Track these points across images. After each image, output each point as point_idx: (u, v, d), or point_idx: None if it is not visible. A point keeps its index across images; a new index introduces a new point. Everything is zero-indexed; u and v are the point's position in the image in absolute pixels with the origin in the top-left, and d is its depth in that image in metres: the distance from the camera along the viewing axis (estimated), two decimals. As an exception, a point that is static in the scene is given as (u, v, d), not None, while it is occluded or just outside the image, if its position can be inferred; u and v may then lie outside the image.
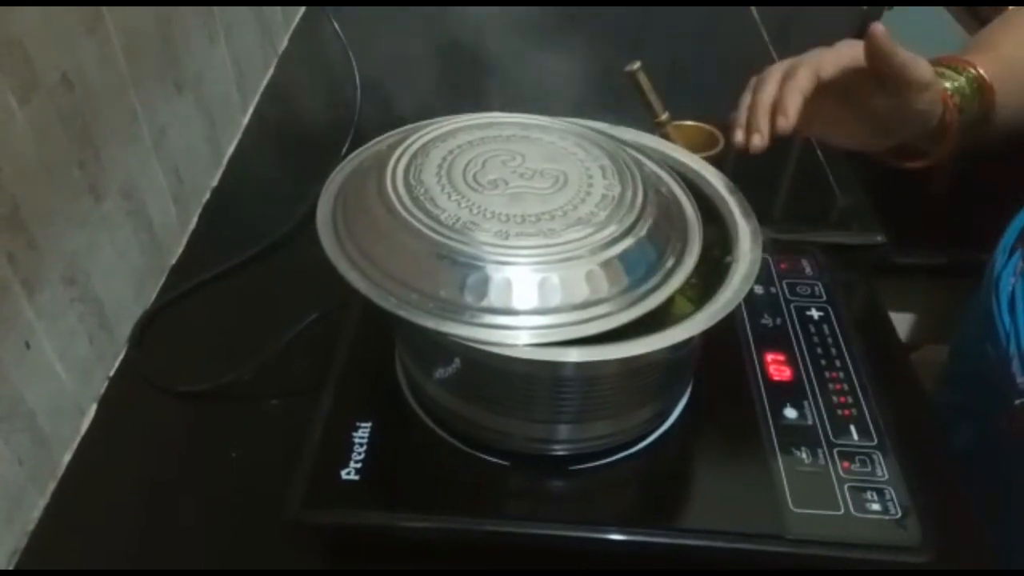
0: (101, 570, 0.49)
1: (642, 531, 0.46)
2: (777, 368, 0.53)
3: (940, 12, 1.12)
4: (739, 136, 0.55)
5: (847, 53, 0.54)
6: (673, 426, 0.51)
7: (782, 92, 0.54)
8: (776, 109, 0.54)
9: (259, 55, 0.92)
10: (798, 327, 0.56)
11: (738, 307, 0.43)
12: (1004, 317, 0.61)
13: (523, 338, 0.40)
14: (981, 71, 0.57)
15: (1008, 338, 0.60)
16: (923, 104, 0.53)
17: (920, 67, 0.52)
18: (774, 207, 0.79)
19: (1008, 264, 0.63)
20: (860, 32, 1.09)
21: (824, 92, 0.54)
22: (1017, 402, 0.58)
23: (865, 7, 1.15)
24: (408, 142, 0.48)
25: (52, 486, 0.53)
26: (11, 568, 0.49)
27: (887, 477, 0.47)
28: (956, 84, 0.57)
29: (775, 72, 0.55)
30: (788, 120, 0.53)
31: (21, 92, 0.49)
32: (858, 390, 0.52)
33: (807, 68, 0.54)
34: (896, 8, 1.17)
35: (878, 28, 0.51)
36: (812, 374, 0.53)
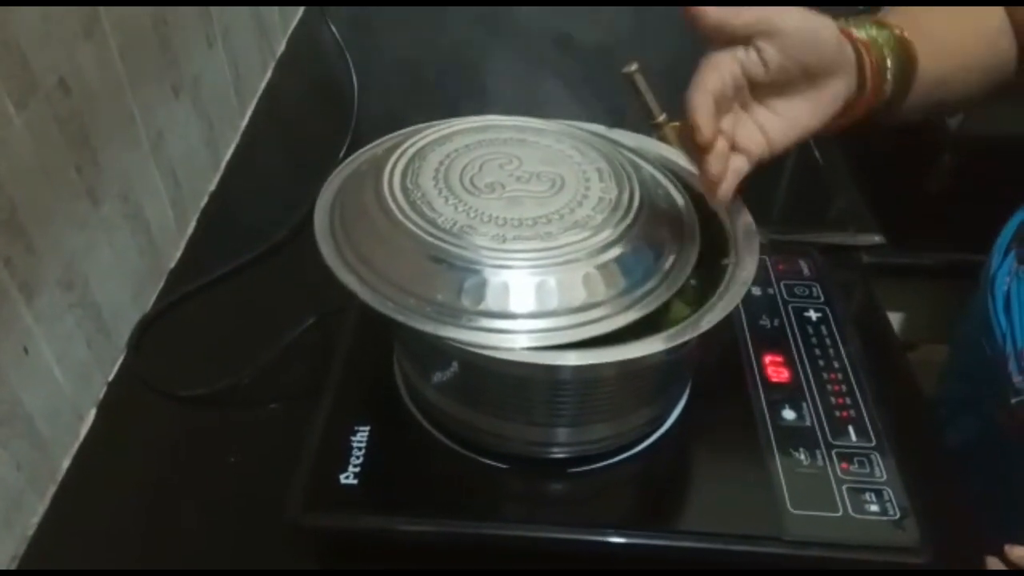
0: (101, 571, 0.49)
1: (641, 533, 0.46)
2: (775, 369, 0.53)
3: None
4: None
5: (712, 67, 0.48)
6: (671, 428, 0.51)
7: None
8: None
9: (257, 58, 0.92)
10: (796, 328, 0.56)
11: (736, 308, 0.43)
12: (1000, 316, 0.61)
13: (521, 341, 0.40)
14: (897, 28, 0.52)
15: (1004, 337, 0.60)
16: (818, 47, 0.47)
17: (751, 12, 0.46)
18: (771, 208, 0.79)
19: (1003, 264, 0.63)
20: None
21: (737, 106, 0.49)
22: (1014, 400, 0.58)
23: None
24: (405, 146, 0.48)
25: (51, 491, 0.53)
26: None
27: (885, 478, 0.47)
28: (870, 32, 0.51)
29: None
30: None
31: (18, 96, 0.49)
32: (856, 391, 0.52)
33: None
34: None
35: (688, 12, 0.47)
36: (810, 375, 0.53)
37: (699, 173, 0.47)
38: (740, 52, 0.47)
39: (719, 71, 0.46)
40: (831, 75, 0.49)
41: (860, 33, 0.51)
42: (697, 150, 0.46)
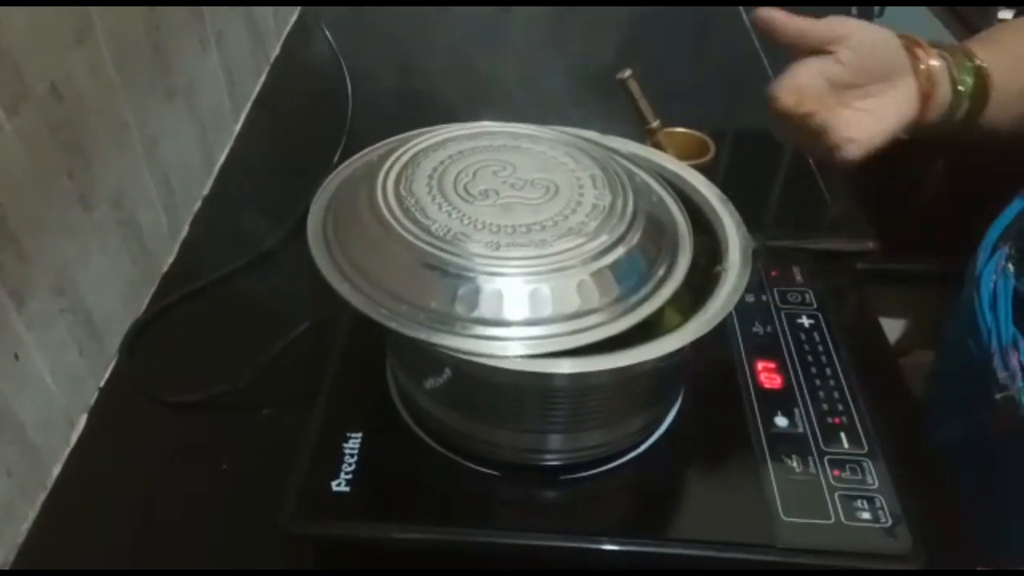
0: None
1: (633, 541, 0.45)
2: (768, 376, 0.53)
3: (934, 14, 1.13)
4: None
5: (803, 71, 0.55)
6: (664, 435, 0.51)
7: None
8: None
9: (251, 63, 0.92)
10: (789, 335, 0.56)
11: (729, 315, 0.43)
12: (986, 314, 0.61)
13: (514, 349, 0.40)
14: (979, 59, 0.56)
15: (989, 334, 0.60)
16: (885, 46, 0.54)
17: (823, 23, 0.54)
18: (765, 214, 0.79)
19: (990, 261, 0.63)
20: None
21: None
22: (998, 396, 0.58)
23: (854, 8, 1.15)
24: (399, 152, 0.48)
25: (42, 498, 0.53)
26: (0, 581, 0.49)
27: (877, 485, 0.47)
28: (944, 63, 0.56)
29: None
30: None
31: (9, 102, 0.49)
32: (848, 398, 0.52)
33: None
34: (888, 9, 1.17)
35: (759, 13, 0.54)
36: (803, 382, 0.53)
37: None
38: (821, 59, 0.54)
39: (808, 69, 0.54)
40: (902, 74, 0.55)
41: (935, 61, 0.56)
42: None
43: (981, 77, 0.56)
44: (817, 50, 0.54)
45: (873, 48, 0.54)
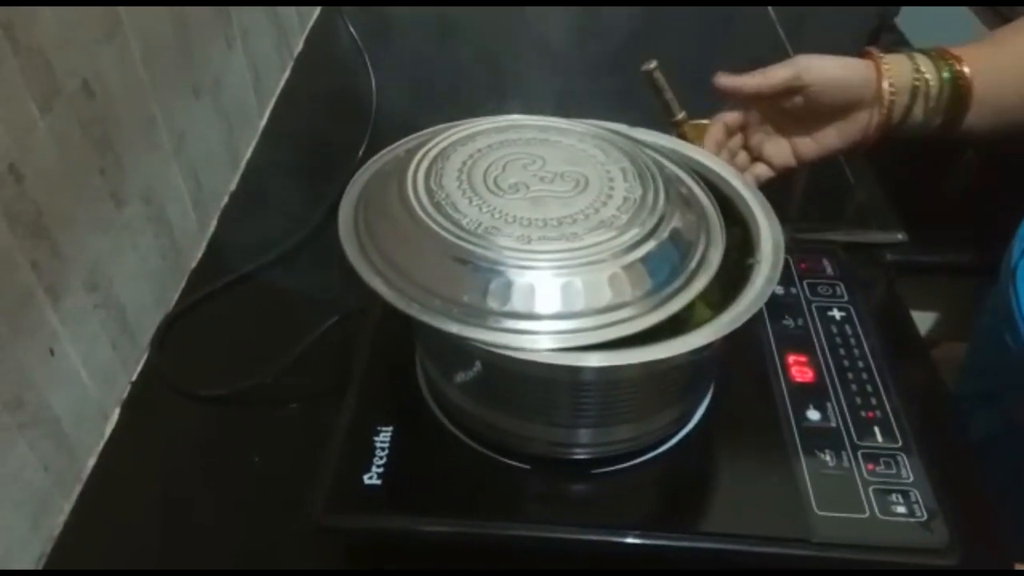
0: (126, 570, 0.49)
1: (664, 535, 0.45)
2: (799, 369, 0.53)
3: (960, 10, 1.11)
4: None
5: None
6: (695, 429, 0.50)
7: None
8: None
9: (275, 59, 0.92)
10: (820, 327, 0.56)
11: (760, 309, 0.43)
12: (1023, 307, 0.60)
13: (545, 343, 0.40)
14: (963, 65, 0.58)
15: None
16: (843, 91, 0.58)
17: (780, 71, 0.58)
18: (791, 206, 0.78)
19: None
20: (873, 31, 1.08)
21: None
22: None
23: (880, 7, 1.14)
24: (428, 146, 0.48)
25: (77, 490, 0.54)
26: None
27: (912, 479, 0.46)
28: (906, 66, 0.58)
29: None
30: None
31: (42, 100, 0.49)
32: (881, 391, 0.52)
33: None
34: (913, 7, 1.16)
35: (719, 80, 0.60)
36: (835, 375, 0.53)
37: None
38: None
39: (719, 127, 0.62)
40: (858, 109, 0.58)
41: (899, 68, 0.59)
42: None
43: (961, 88, 0.58)
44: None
45: (830, 93, 0.58)
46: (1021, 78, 0.58)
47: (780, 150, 0.61)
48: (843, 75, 0.58)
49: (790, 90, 0.58)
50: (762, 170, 0.62)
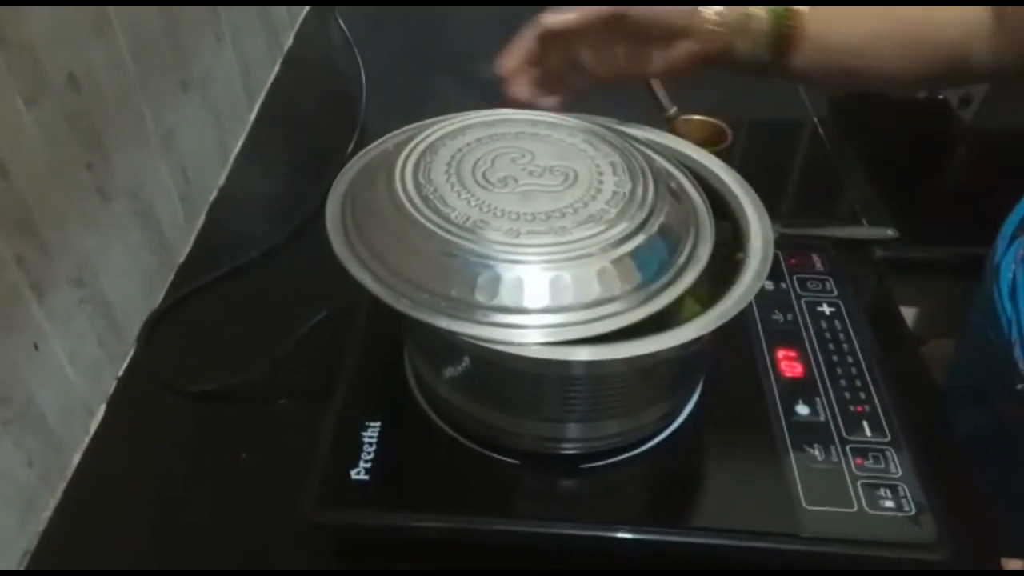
0: (111, 570, 0.49)
1: (653, 530, 0.45)
2: (789, 364, 0.53)
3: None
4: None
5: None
6: (684, 424, 0.50)
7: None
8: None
9: (265, 54, 0.92)
10: (809, 323, 0.56)
11: (749, 303, 0.43)
12: (1005, 304, 0.61)
13: (534, 337, 0.40)
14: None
15: (1010, 324, 0.60)
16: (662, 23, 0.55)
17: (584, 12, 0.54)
18: (782, 201, 0.78)
19: (1008, 252, 0.62)
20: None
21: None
22: (1020, 386, 0.58)
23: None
24: (417, 140, 0.48)
25: (62, 487, 0.53)
26: (22, 568, 0.49)
27: (900, 473, 0.47)
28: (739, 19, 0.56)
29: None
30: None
31: (29, 94, 0.49)
32: (870, 386, 0.52)
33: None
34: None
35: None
36: (824, 370, 0.53)
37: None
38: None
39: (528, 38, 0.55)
40: (683, 37, 0.55)
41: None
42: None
43: (787, 24, 0.55)
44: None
45: (647, 18, 0.55)
46: (852, 19, 0.56)
47: (604, 63, 0.57)
48: (659, 11, 0.56)
49: (613, 20, 0.55)
50: (582, 83, 0.58)
